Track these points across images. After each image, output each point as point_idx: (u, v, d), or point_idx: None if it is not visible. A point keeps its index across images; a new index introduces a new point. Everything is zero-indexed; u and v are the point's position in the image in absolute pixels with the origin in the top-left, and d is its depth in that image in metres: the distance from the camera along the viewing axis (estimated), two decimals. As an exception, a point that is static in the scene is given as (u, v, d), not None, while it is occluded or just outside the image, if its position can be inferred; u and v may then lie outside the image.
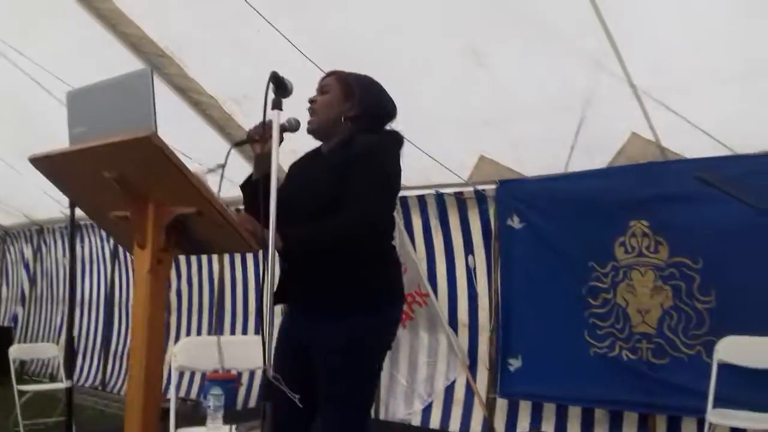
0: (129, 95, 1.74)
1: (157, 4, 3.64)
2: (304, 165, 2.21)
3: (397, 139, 2.10)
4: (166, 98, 4.19)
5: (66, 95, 1.85)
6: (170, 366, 3.09)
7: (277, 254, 1.86)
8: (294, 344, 2.10)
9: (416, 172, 4.38)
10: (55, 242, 7.58)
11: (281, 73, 1.91)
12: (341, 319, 2.00)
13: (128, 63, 3.79)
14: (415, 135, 3.96)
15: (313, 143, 2.21)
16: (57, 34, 3.95)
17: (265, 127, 1.95)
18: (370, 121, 2.11)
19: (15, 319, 8.01)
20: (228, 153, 1.98)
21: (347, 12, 3.31)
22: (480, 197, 4.40)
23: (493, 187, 4.25)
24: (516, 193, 4.12)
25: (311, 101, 2.12)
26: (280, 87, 1.86)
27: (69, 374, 3.59)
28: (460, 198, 4.50)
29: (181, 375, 5.81)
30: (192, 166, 1.80)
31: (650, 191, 3.57)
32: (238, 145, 2.08)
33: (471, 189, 4.40)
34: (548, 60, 3.15)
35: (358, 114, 2.10)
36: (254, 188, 1.94)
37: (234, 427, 2.95)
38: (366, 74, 2.19)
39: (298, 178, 2.17)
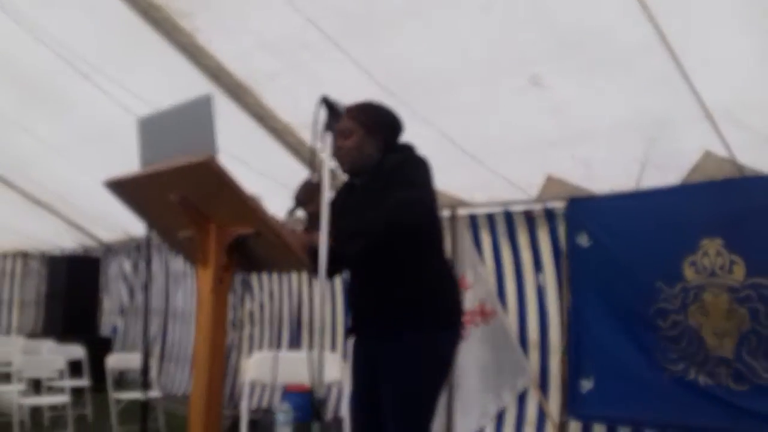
0: (193, 121, 1.80)
1: (232, 40, 3.77)
2: (344, 200, 2.23)
3: (422, 159, 2.10)
4: (247, 124, 4.34)
5: (137, 122, 1.92)
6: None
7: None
8: (364, 367, 2.15)
9: (484, 191, 4.33)
10: (150, 257, 7.92)
11: (346, 100, 1.94)
12: (401, 337, 2.01)
13: (209, 90, 3.93)
14: (483, 155, 3.93)
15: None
16: (143, 64, 4.15)
17: (310, 185, 2.04)
18: (390, 138, 2.18)
19: (115, 330, 8.40)
20: (287, 220, 2.02)
21: (413, 40, 3.32)
22: (549, 215, 4.28)
23: (563, 205, 4.12)
24: (585, 212, 3.97)
25: (336, 147, 2.11)
26: (332, 110, 1.87)
27: (146, 385, 3.67)
28: (529, 216, 4.39)
29: (262, 387, 5.93)
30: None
31: (725, 208, 3.34)
32: (292, 212, 2.10)
33: (540, 207, 4.29)
34: (612, 82, 3.06)
35: (384, 140, 2.17)
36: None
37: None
38: (365, 100, 2.22)
39: (344, 212, 2.16)
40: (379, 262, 2.02)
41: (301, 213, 2.13)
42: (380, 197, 1.99)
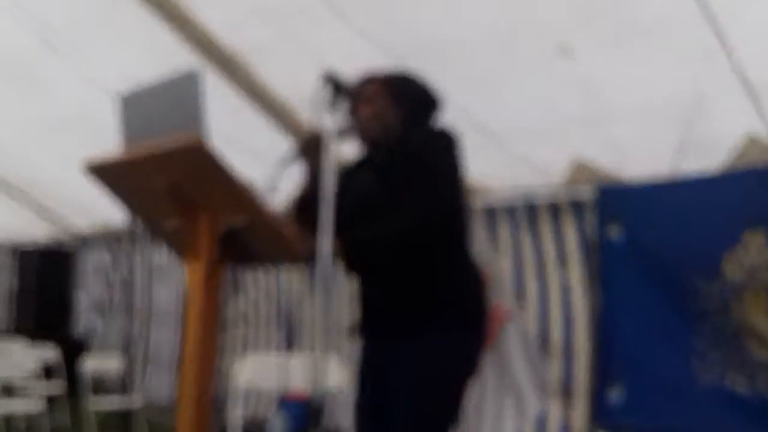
0: (179, 98, 1.81)
1: (220, 5, 3.77)
2: (355, 172, 2.23)
3: (451, 137, 2.06)
4: (238, 100, 4.34)
5: (118, 98, 1.93)
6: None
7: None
8: (373, 371, 2.15)
9: (503, 176, 4.33)
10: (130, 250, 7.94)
11: (352, 74, 1.94)
12: (413, 341, 2.01)
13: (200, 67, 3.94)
14: (503, 137, 3.93)
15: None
16: (122, 38, 4.16)
17: (315, 139, 2.01)
18: (420, 115, 2.14)
19: (91, 329, 8.44)
20: (278, 171, 2.00)
21: (424, 9, 3.31)
22: (576, 205, 4.27)
23: (591, 194, 4.11)
24: (617, 201, 3.97)
25: (357, 113, 2.12)
26: (336, 86, 1.87)
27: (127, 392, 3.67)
28: (553, 206, 4.39)
29: (257, 394, 5.97)
30: None
31: (768, 199, 3.34)
32: (289, 161, 2.09)
33: (566, 196, 4.28)
34: (647, 53, 3.03)
35: (409, 114, 2.13)
36: (308, 204, 2.00)
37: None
38: (400, 68, 2.20)
39: (352, 186, 2.18)
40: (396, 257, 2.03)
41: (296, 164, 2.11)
42: (403, 179, 1.98)
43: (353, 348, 2.14)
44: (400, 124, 2.12)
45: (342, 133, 2.06)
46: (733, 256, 3.48)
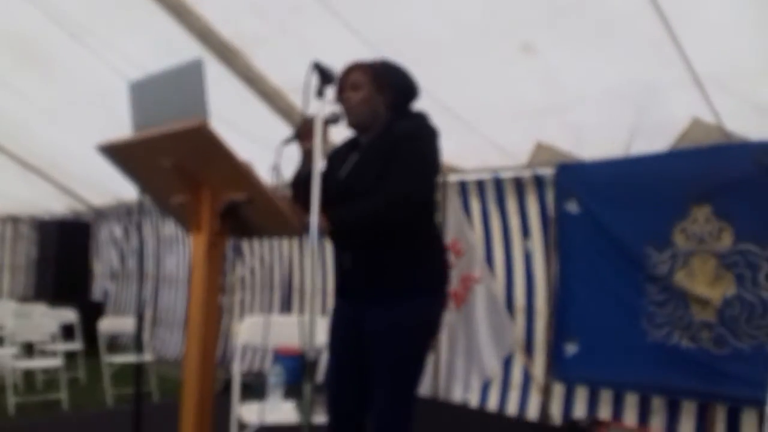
0: (184, 85, 1.77)
1: (221, 1, 3.70)
2: (345, 154, 2.20)
3: (433, 128, 2.08)
4: (236, 87, 4.28)
5: (128, 86, 1.89)
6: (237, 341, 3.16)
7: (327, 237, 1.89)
8: (347, 329, 2.14)
9: (474, 156, 4.33)
10: (141, 222, 7.89)
11: (337, 63, 1.91)
12: (389, 303, 2.02)
13: (199, 53, 3.88)
14: (473, 120, 3.92)
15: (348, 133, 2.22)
16: (132, 26, 4.08)
17: (310, 123, 1.98)
18: (402, 103, 2.13)
19: (106, 294, 8.41)
20: (277, 151, 1.97)
21: (406, 6, 3.28)
22: (538, 182, 4.29)
23: (552, 171, 4.12)
24: (574, 178, 3.98)
25: (345, 99, 2.10)
26: (323, 75, 1.85)
27: (139, 348, 3.66)
28: (518, 182, 4.40)
29: (253, 350, 5.99)
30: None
31: (714, 175, 3.35)
32: (287, 142, 2.06)
33: (529, 174, 4.30)
34: (602, 48, 3.04)
35: (392, 100, 2.11)
36: (304, 183, 1.97)
37: (297, 402, 3.00)
38: (383, 58, 2.18)
39: (341, 166, 2.16)
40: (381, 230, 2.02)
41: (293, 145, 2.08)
42: (388, 161, 1.98)
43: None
44: (385, 109, 2.11)
45: (332, 118, 2.03)
46: (683, 227, 3.51)
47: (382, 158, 2.00)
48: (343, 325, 2.16)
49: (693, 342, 3.46)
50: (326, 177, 1.90)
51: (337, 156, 2.21)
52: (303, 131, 2.02)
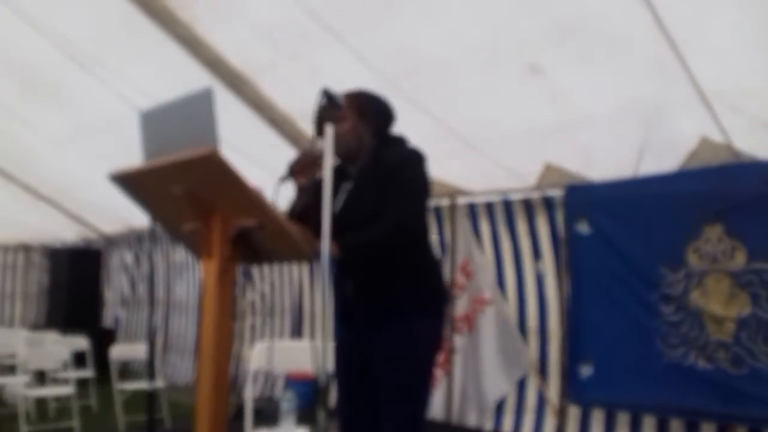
0: (194, 113, 1.79)
1: (229, 29, 3.76)
2: (335, 184, 2.13)
3: (421, 155, 2.14)
4: (245, 115, 4.33)
5: (138, 115, 1.92)
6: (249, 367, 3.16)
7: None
8: (351, 356, 2.16)
9: (483, 179, 4.34)
10: (152, 249, 7.93)
11: (345, 89, 1.94)
12: (392, 325, 2.05)
13: (208, 82, 3.93)
14: (481, 143, 3.93)
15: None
16: (141, 55, 4.15)
17: (304, 158, 2.04)
18: (383, 128, 2.20)
19: (117, 321, 8.42)
20: (276, 189, 1.98)
21: (411, 28, 3.32)
22: (548, 203, 4.29)
23: (561, 192, 4.12)
24: (584, 199, 3.97)
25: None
26: (332, 102, 1.87)
27: (151, 376, 3.68)
28: (528, 204, 4.40)
29: (265, 376, 5.96)
30: None
31: (725, 194, 3.34)
32: (283, 180, 2.07)
33: (539, 195, 4.30)
34: (608, 68, 3.06)
35: (375, 127, 2.18)
36: (299, 217, 2.03)
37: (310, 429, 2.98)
38: (355, 88, 2.22)
39: (338, 197, 2.17)
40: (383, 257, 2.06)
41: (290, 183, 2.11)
42: (382, 190, 2.03)
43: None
44: (370, 137, 2.16)
45: (320, 154, 2.02)
46: (696, 247, 3.49)
47: (375, 187, 2.06)
48: (347, 352, 2.18)
49: (710, 362, 3.41)
50: (317, 208, 1.92)
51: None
52: (297, 168, 2.07)
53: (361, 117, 2.15)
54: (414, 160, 2.10)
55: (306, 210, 2.04)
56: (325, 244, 1.80)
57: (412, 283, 2.07)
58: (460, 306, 4.68)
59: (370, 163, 2.14)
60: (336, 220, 1.98)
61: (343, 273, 2.12)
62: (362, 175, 2.15)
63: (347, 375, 2.18)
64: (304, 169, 2.06)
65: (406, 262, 2.06)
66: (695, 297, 3.47)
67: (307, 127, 4.49)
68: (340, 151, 2.11)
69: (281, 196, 1.97)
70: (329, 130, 1.88)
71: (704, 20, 2.67)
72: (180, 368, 7.26)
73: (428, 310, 2.10)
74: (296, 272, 6.21)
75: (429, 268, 2.17)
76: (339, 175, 2.21)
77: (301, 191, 2.11)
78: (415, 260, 2.10)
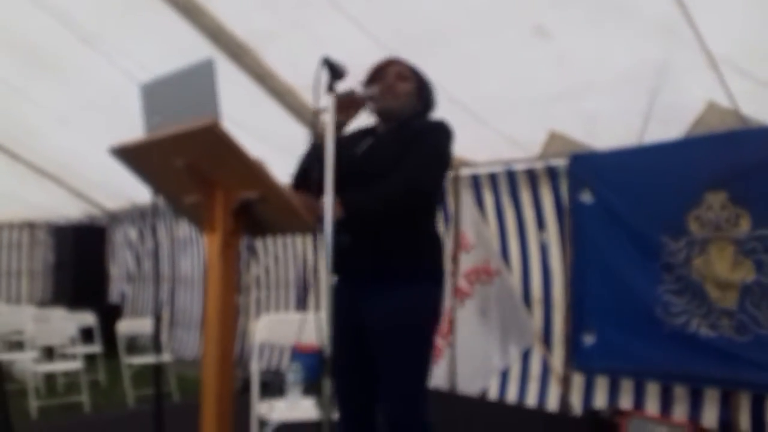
0: (195, 85, 1.77)
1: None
2: (358, 139, 2.21)
3: (448, 128, 2.12)
4: (247, 85, 4.28)
5: (139, 88, 1.89)
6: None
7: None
8: (348, 319, 2.11)
9: (486, 149, 4.31)
10: (156, 224, 7.96)
11: (346, 58, 1.91)
12: (392, 289, 2.02)
13: (209, 53, 3.88)
14: (485, 112, 3.89)
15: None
16: (142, 27, 4.09)
17: (347, 97, 2.01)
18: (427, 108, 2.23)
19: (123, 296, 8.47)
20: (312, 122, 1.98)
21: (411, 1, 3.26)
22: (552, 173, 4.26)
23: (565, 162, 4.09)
24: (588, 168, 3.95)
25: (389, 84, 2.14)
26: (333, 71, 1.85)
27: (157, 350, 3.69)
28: (531, 174, 4.37)
29: (270, 348, 6.02)
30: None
31: (729, 161, 3.31)
32: (324, 110, 1.97)
33: (542, 165, 4.27)
34: (615, 30, 3.00)
35: (422, 103, 2.20)
36: (315, 152, 2.01)
37: (316, 399, 3.00)
38: (417, 68, 2.25)
39: (358, 151, 2.17)
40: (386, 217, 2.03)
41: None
42: (405, 148, 2.02)
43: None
44: (413, 108, 2.17)
45: (371, 97, 2.07)
46: (697, 215, 3.47)
47: (399, 145, 2.04)
48: (343, 314, 2.10)
49: (713, 330, 3.42)
50: (338, 155, 1.90)
51: (348, 140, 2.21)
52: (342, 102, 2.02)
53: (418, 89, 2.19)
54: (439, 130, 2.09)
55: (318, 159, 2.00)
56: (329, 209, 1.79)
57: (414, 246, 2.05)
58: (462, 276, 4.69)
59: (399, 126, 2.13)
60: (351, 167, 1.98)
61: (341, 223, 2.10)
62: (386, 134, 2.16)
63: (341, 336, 2.08)
64: (344, 107, 2.04)
65: (411, 224, 2.04)
66: (697, 265, 3.47)
67: (310, 98, 4.48)
68: (389, 104, 2.13)
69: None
70: (330, 100, 1.86)
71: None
72: (187, 342, 7.32)
73: (428, 277, 2.08)
74: (300, 245, 6.22)
75: (432, 234, 2.14)
76: (365, 132, 2.23)
77: (338, 127, 2.09)
78: (421, 224, 2.08)
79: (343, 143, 2.19)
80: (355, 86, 2.06)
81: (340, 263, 2.01)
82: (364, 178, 2.01)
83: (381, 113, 2.16)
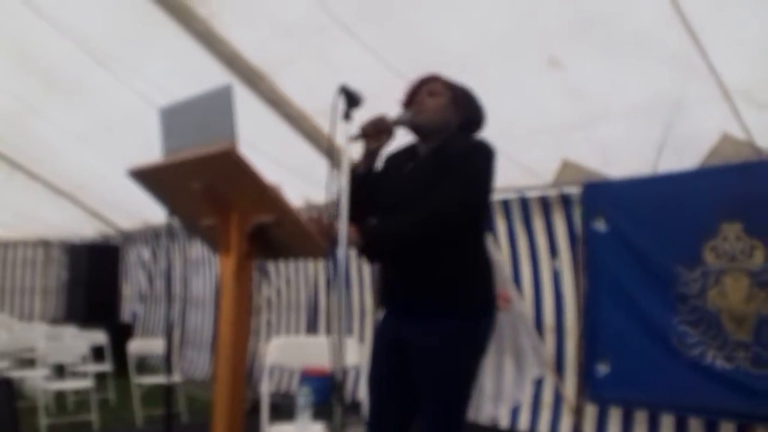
0: (213, 110, 1.80)
1: (247, 25, 3.77)
2: (403, 161, 2.17)
3: (489, 148, 2.04)
4: (261, 110, 4.35)
5: (158, 112, 1.93)
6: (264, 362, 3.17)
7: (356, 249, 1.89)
8: (391, 346, 2.10)
9: (499, 175, 4.30)
10: (169, 245, 8.00)
11: (361, 85, 1.94)
12: (438, 321, 1.98)
13: (225, 78, 3.95)
14: (498, 139, 3.90)
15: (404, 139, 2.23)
16: (159, 52, 4.17)
17: (380, 122, 2.01)
18: (471, 125, 2.15)
19: (134, 315, 8.51)
20: (346, 148, 1.93)
21: (427, 22, 3.31)
22: (565, 200, 4.26)
23: (578, 190, 4.09)
24: (602, 196, 3.95)
25: (419, 102, 2.11)
26: (350, 98, 1.87)
27: (169, 371, 3.71)
28: (544, 202, 4.38)
29: (280, 371, 6.00)
30: None
31: (744, 192, 3.29)
32: (353, 140, 2.01)
33: (556, 192, 4.27)
34: (629, 62, 3.02)
35: (462, 120, 2.13)
36: (357, 180, 1.98)
37: (326, 423, 2.99)
38: (463, 84, 2.20)
39: (398, 173, 2.14)
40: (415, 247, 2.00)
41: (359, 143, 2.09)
42: (441, 175, 1.96)
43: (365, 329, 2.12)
44: (455, 125, 2.11)
45: (401, 120, 2.05)
46: (713, 245, 3.45)
47: (435, 171, 1.99)
48: (387, 339, 2.12)
49: (729, 362, 3.38)
50: (381, 180, 1.88)
51: (393, 161, 2.19)
52: (369, 130, 2.03)
53: (455, 102, 2.12)
54: (478, 151, 1.99)
55: (368, 174, 2.03)
56: (343, 234, 1.79)
57: (457, 280, 1.98)
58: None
59: (439, 147, 2.06)
60: (389, 198, 1.98)
61: (383, 258, 2.07)
62: (427, 157, 2.09)
63: (382, 362, 2.12)
64: (376, 133, 2.03)
65: (455, 255, 1.96)
66: (713, 296, 3.44)
67: (323, 123, 4.53)
68: (422, 122, 2.09)
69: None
70: (347, 127, 1.88)
71: (727, 12, 2.62)
72: (196, 363, 7.32)
73: (468, 312, 2.00)
74: (312, 268, 6.24)
75: (477, 266, 2.05)
76: (409, 153, 2.18)
77: (369, 154, 2.09)
78: (465, 255, 2.00)
79: (387, 165, 2.20)
80: (384, 113, 2.04)
81: (385, 296, 2.02)
82: (406, 204, 1.99)
83: (416, 132, 2.13)
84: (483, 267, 2.07)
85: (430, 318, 1.98)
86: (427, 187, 1.98)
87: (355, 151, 1.94)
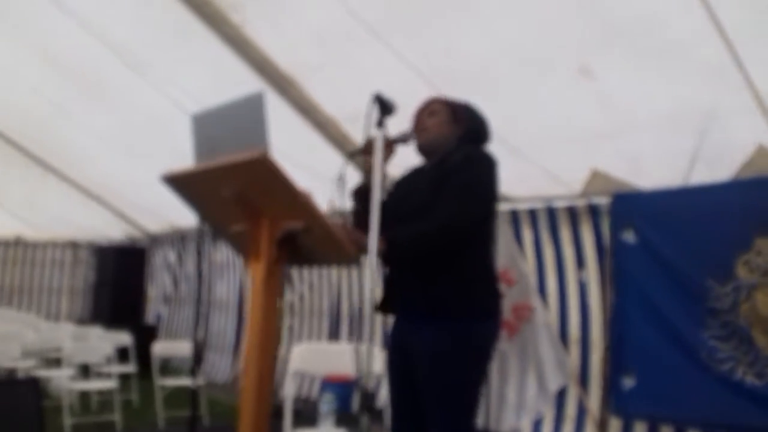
0: (245, 117, 1.82)
1: (278, 31, 3.80)
2: (408, 178, 2.29)
3: (489, 158, 2.11)
4: (290, 117, 4.37)
5: (190, 118, 1.96)
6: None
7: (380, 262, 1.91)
8: (400, 352, 2.14)
9: (526, 185, 4.29)
10: (199, 247, 8.08)
11: (390, 93, 1.96)
12: (443, 325, 2.02)
13: (255, 84, 3.98)
14: (526, 147, 3.89)
15: (418, 159, 2.30)
16: (191, 58, 4.23)
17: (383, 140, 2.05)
18: (473, 139, 2.22)
19: (159, 318, 8.59)
20: (344, 164, 2.06)
21: (458, 30, 3.31)
22: (593, 211, 4.22)
23: (607, 200, 4.05)
24: (631, 207, 3.89)
25: (421, 124, 2.20)
26: (384, 107, 1.88)
27: (194, 374, 3.74)
28: (572, 212, 4.33)
29: (301, 376, 6.00)
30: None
31: (780, 206, 3.24)
32: (352, 155, 2.13)
33: (584, 203, 4.23)
34: (661, 72, 2.98)
35: (464, 134, 2.20)
36: (364, 195, 2.05)
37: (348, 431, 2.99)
38: (465, 100, 2.28)
39: (402, 189, 2.25)
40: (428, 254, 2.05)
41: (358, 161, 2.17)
42: (440, 179, 2.05)
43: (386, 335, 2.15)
44: (455, 140, 2.18)
45: (401, 138, 2.12)
46: (746, 260, 3.39)
47: (435, 182, 2.06)
48: (397, 349, 2.17)
49: (760, 378, 3.30)
50: (387, 200, 1.93)
51: (404, 182, 2.29)
52: (370, 147, 2.07)
53: (454, 118, 2.20)
54: (478, 162, 2.08)
55: (369, 188, 2.06)
56: (373, 243, 1.81)
57: (455, 285, 2.03)
58: (510, 311, 4.64)
59: (439, 162, 2.14)
60: (390, 210, 2.01)
61: (391, 264, 2.13)
62: (428, 171, 2.18)
63: (394, 371, 2.18)
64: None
65: (459, 262, 2.03)
66: (744, 311, 3.37)
67: (352, 129, 4.55)
68: (421, 140, 2.18)
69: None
70: (380, 135, 1.89)
71: (764, 22, 2.58)
72: (219, 366, 7.36)
73: (479, 315, 2.06)
74: (335, 274, 6.24)
75: (478, 273, 2.11)
76: (417, 173, 2.27)
77: (369, 171, 2.13)
78: (470, 262, 2.06)
79: (398, 186, 2.30)
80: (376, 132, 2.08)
81: (391, 301, 2.05)
82: (407, 218, 2.06)
83: (419, 150, 2.22)
84: (486, 271, 2.14)
85: (431, 322, 2.03)
86: (424, 196, 2.07)
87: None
